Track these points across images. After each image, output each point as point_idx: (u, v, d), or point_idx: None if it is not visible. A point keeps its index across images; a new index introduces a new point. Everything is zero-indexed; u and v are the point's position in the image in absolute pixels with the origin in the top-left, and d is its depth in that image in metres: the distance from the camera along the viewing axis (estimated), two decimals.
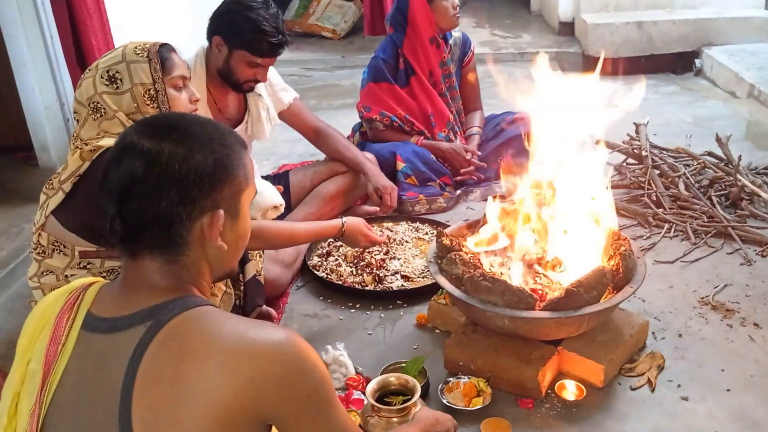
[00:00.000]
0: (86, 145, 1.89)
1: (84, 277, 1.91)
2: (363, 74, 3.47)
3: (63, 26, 3.26)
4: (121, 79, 1.89)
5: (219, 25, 2.57)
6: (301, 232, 2.33)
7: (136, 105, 1.89)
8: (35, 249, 2.00)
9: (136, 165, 1.06)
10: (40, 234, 1.98)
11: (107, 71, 1.89)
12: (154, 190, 1.06)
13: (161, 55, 1.92)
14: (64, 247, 1.96)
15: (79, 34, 3.28)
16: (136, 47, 1.92)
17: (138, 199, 1.06)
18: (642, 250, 2.56)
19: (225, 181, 1.11)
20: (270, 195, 2.48)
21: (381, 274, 2.61)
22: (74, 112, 1.95)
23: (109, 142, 1.85)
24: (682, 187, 3.10)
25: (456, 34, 3.46)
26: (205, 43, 2.66)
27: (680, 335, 2.26)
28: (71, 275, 1.96)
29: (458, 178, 3.36)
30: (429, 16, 3.26)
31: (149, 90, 1.89)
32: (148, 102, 1.90)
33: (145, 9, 4.06)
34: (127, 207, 1.07)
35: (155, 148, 1.06)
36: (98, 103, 1.89)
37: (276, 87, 2.90)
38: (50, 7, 3.26)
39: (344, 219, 2.40)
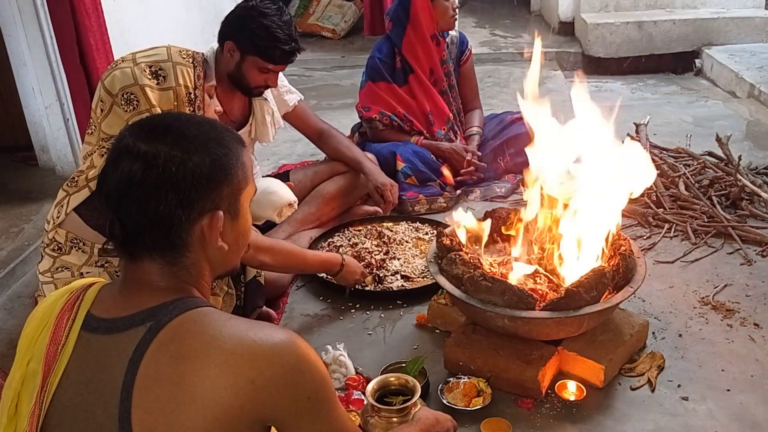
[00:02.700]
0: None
1: (100, 275, 1.92)
2: (362, 76, 3.47)
3: (62, 27, 3.26)
4: (164, 77, 1.92)
5: (232, 30, 2.55)
6: (309, 257, 2.37)
7: (176, 104, 1.92)
8: (48, 245, 1.99)
9: (133, 169, 1.05)
10: (56, 231, 1.97)
11: (150, 66, 1.91)
12: (152, 194, 1.05)
13: (203, 64, 2.01)
14: (83, 244, 1.96)
15: (78, 34, 3.28)
16: (180, 51, 1.99)
17: (136, 203, 1.06)
18: (642, 250, 2.56)
19: (223, 182, 1.10)
20: (284, 193, 2.49)
21: (381, 274, 2.61)
22: (100, 101, 1.94)
23: None
24: (682, 187, 3.10)
25: (453, 33, 3.46)
26: (214, 46, 2.66)
27: (680, 335, 2.26)
28: (87, 273, 1.95)
29: (458, 178, 3.36)
30: (431, 13, 3.26)
31: (190, 93, 1.94)
32: (187, 104, 1.94)
33: (142, 10, 4.05)
34: (126, 211, 1.07)
35: (151, 152, 1.06)
36: (132, 94, 1.88)
37: (281, 89, 2.90)
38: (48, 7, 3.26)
39: (344, 257, 2.44)
